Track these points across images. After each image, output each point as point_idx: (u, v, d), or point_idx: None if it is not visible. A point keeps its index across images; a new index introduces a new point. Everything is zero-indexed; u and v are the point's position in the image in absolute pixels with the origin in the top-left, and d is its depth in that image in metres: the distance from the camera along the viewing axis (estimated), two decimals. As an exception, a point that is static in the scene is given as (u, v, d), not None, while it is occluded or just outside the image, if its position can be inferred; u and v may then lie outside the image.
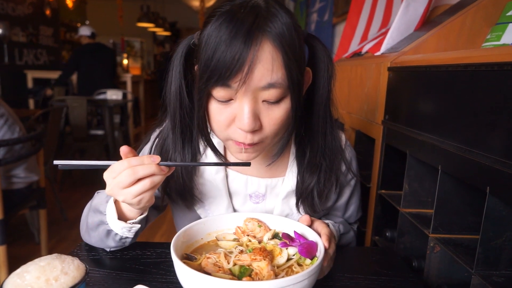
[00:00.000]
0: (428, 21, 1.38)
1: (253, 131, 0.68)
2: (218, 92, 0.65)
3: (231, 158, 0.84)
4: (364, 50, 1.54)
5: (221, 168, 0.86)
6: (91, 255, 0.82)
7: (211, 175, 0.85)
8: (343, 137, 0.94)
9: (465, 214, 0.84)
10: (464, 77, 0.76)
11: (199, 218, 0.89)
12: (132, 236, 0.78)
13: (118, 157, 0.67)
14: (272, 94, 0.65)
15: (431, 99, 0.90)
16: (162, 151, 0.83)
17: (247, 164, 0.69)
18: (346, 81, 1.61)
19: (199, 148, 0.85)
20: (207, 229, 0.78)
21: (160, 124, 0.88)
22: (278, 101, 0.67)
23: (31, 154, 2.16)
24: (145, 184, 0.65)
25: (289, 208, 0.88)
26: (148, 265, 0.78)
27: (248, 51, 0.60)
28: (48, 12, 6.49)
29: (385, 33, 1.44)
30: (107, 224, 0.75)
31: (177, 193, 0.85)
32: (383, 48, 1.34)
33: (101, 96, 4.71)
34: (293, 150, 0.88)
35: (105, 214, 0.75)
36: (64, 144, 4.17)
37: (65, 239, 2.80)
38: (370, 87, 1.31)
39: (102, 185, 0.69)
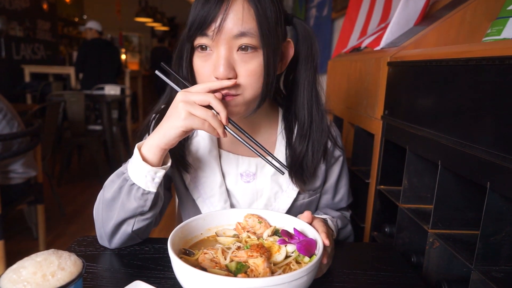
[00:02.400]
0: (428, 15, 1.37)
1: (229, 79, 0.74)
2: (199, 41, 0.75)
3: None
4: (364, 45, 1.53)
5: (214, 147, 0.90)
6: (88, 251, 0.81)
7: (204, 153, 0.89)
8: (327, 117, 0.96)
9: (464, 210, 0.84)
10: (465, 72, 0.75)
11: (200, 212, 0.90)
12: (155, 191, 0.75)
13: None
14: (244, 42, 0.73)
15: (431, 94, 0.89)
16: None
17: (281, 171, 0.78)
18: (345, 76, 1.60)
19: None
20: (207, 224, 0.77)
21: (161, 102, 0.93)
22: (251, 52, 0.74)
23: (29, 149, 2.15)
24: (208, 113, 0.70)
25: (278, 186, 0.91)
26: (146, 260, 0.78)
27: (222, 3, 0.71)
28: (45, 6, 6.44)
29: (385, 27, 1.43)
30: (129, 179, 0.74)
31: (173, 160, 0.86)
32: (382, 43, 1.33)
33: (99, 91, 4.69)
34: (280, 128, 0.93)
35: (126, 172, 0.75)
36: (62, 139, 4.15)
37: (63, 234, 2.80)
38: (369, 82, 1.30)
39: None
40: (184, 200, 0.95)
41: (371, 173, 1.25)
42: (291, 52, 0.85)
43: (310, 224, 0.76)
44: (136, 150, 0.75)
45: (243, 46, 0.73)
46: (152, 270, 0.74)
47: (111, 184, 0.79)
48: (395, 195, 1.10)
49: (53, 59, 6.65)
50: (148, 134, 0.87)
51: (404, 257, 0.97)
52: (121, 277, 0.72)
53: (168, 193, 0.96)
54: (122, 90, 4.94)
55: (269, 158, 0.79)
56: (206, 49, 0.75)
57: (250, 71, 0.75)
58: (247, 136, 0.78)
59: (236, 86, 0.75)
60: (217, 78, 0.74)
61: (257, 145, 0.79)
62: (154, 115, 0.92)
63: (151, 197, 0.76)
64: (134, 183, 0.75)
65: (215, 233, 0.77)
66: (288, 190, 0.92)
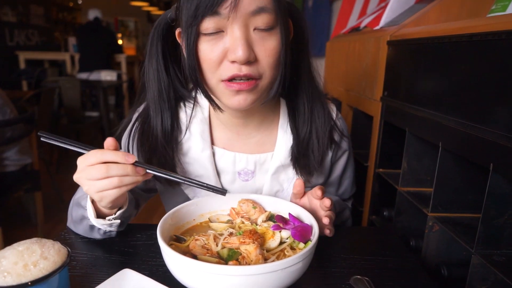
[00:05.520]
0: (429, -8, 1.31)
1: (249, 63, 0.66)
2: (208, 24, 0.64)
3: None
4: (363, 24, 1.48)
5: (207, 145, 0.83)
6: (79, 238, 0.79)
7: (196, 153, 0.83)
8: (334, 108, 0.91)
9: (465, 193, 0.81)
10: (468, 48, 0.71)
11: (188, 198, 0.87)
12: (115, 230, 0.76)
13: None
14: (263, 19, 0.65)
15: (432, 73, 0.86)
16: (143, 132, 0.81)
17: (223, 192, 0.67)
18: (344, 58, 1.56)
19: (179, 125, 0.83)
20: (200, 210, 0.75)
21: (139, 104, 0.85)
22: (269, 29, 0.66)
23: (23, 136, 2.12)
24: (113, 182, 0.62)
25: (279, 184, 0.86)
26: (137, 247, 0.76)
27: None
28: (38, -10, 6.31)
29: (385, 6, 1.38)
30: (89, 219, 0.73)
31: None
32: (382, 22, 1.28)
33: (95, 77, 4.63)
34: (282, 120, 0.86)
35: (86, 209, 0.73)
36: (59, 126, 4.12)
37: (62, 221, 2.79)
38: (368, 62, 1.26)
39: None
40: (177, 195, 0.90)
41: (370, 156, 1.23)
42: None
43: (304, 195, 0.76)
44: (89, 202, 0.71)
45: (260, 24, 0.65)
46: (144, 257, 0.72)
47: (75, 208, 0.78)
48: (394, 178, 1.07)
49: (48, 45, 6.55)
50: (130, 138, 0.82)
51: (403, 241, 0.96)
52: (111, 265, 0.69)
53: (146, 194, 0.93)
54: (119, 76, 4.87)
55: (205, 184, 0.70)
56: (214, 32, 0.65)
57: (269, 51, 0.67)
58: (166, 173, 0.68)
59: (257, 68, 0.67)
60: (233, 62, 0.65)
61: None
62: (134, 119, 0.85)
63: (114, 233, 0.77)
64: (94, 225, 0.74)
65: (208, 218, 0.74)
66: (289, 189, 0.86)
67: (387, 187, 1.11)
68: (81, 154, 0.65)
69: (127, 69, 6.07)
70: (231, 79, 0.67)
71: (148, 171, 0.64)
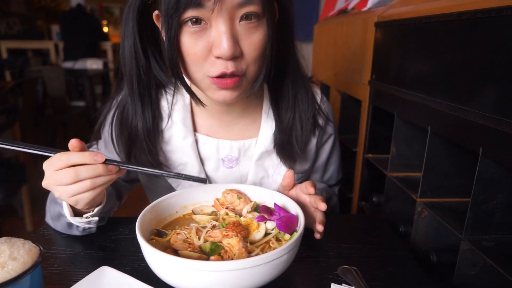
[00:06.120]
0: (418, -28, 1.28)
1: (234, 58, 0.62)
2: (191, 15, 0.60)
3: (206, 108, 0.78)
4: (351, 6, 1.44)
5: (190, 132, 0.80)
6: (58, 234, 0.76)
7: (178, 141, 0.80)
8: (318, 92, 0.89)
9: (454, 177, 0.80)
10: (457, 27, 0.69)
11: (171, 187, 0.84)
12: (94, 226, 0.73)
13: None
14: (249, 10, 0.61)
15: (420, 55, 0.83)
16: (122, 120, 0.77)
17: (203, 180, 0.64)
18: (332, 41, 1.52)
19: (160, 113, 0.79)
20: (183, 201, 0.72)
21: (118, 92, 0.81)
22: (256, 21, 0.62)
23: (6, 128, 2.06)
24: (85, 185, 0.59)
25: (264, 171, 0.84)
26: (119, 242, 0.73)
27: None
28: (17, -24, 6.09)
29: (373, -14, 1.34)
30: (66, 218, 0.69)
31: (142, 162, 0.79)
32: (370, 3, 1.25)
33: (81, 66, 4.51)
34: (265, 106, 0.84)
35: (62, 206, 0.69)
36: (44, 117, 4.02)
37: (51, 213, 2.75)
38: (356, 45, 1.23)
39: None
40: (160, 185, 0.87)
41: (359, 142, 1.21)
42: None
43: (293, 186, 0.74)
44: (64, 203, 0.67)
45: (246, 15, 0.61)
46: (126, 252, 0.69)
47: (52, 204, 0.74)
48: (383, 163, 1.06)
49: (31, 34, 6.35)
50: (111, 127, 0.78)
51: (392, 227, 0.95)
52: (91, 262, 0.67)
53: (128, 184, 0.90)
54: (105, 64, 4.76)
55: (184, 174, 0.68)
56: (199, 23, 0.61)
57: (255, 45, 0.64)
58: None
59: (241, 63, 0.64)
60: (218, 57, 0.62)
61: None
62: (113, 109, 0.80)
63: (94, 229, 0.74)
64: (72, 223, 0.70)
65: (192, 210, 0.72)
66: (275, 175, 0.85)
67: (376, 173, 1.10)
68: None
69: (114, 57, 5.94)
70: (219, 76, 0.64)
71: (121, 167, 0.61)
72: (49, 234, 0.76)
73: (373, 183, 1.17)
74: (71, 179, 0.57)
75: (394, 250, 0.71)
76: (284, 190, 0.76)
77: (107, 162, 0.59)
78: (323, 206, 0.65)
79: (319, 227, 0.66)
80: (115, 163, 0.61)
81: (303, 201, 0.72)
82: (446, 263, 0.76)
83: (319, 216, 0.68)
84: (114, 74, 5.37)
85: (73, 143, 0.59)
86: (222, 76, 0.64)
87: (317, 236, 0.68)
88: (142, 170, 0.64)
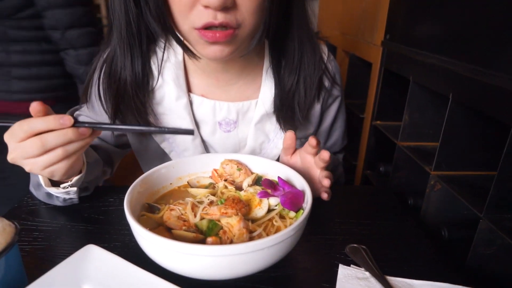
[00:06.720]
0: None
1: (226, 9, 0.55)
2: None
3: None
4: (363, -43, 1.31)
5: (183, 93, 0.73)
6: (43, 204, 0.71)
7: (171, 102, 0.73)
8: (325, 49, 0.80)
9: (474, 150, 0.74)
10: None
11: (164, 153, 0.78)
12: (76, 197, 0.67)
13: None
14: None
15: (443, 12, 0.74)
16: (110, 74, 0.69)
17: (190, 132, 0.54)
18: (341, -4, 1.40)
19: (151, 69, 0.72)
20: (177, 172, 0.66)
21: (107, 47, 0.72)
22: None
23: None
24: (56, 154, 0.51)
25: (264, 135, 0.78)
26: (109, 214, 0.68)
27: None
28: None
29: None
30: (45, 189, 0.63)
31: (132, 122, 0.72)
32: (386, -48, 1.12)
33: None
34: (266, 65, 0.76)
35: (39, 179, 0.63)
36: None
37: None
38: (368, 2, 1.12)
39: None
40: (152, 151, 0.81)
41: (367, 107, 1.14)
42: None
43: (295, 151, 0.67)
44: (39, 176, 0.61)
45: None
46: (116, 225, 0.64)
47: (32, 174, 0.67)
48: (393, 131, 0.99)
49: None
50: (99, 83, 0.71)
51: (400, 199, 0.90)
52: (78, 236, 0.62)
53: (119, 149, 0.83)
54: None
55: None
56: None
57: None
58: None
59: (235, 15, 0.56)
60: (207, 7, 0.54)
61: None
62: (101, 62, 0.73)
63: (76, 200, 0.68)
64: (51, 194, 0.65)
65: (187, 182, 0.66)
66: (276, 140, 0.79)
67: (384, 141, 1.03)
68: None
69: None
70: (205, 28, 0.56)
71: (94, 129, 0.53)
72: (34, 204, 0.71)
73: (379, 152, 1.11)
74: (38, 150, 0.50)
75: (405, 227, 0.66)
76: (286, 154, 0.69)
77: (77, 125, 0.51)
78: (326, 154, 0.59)
79: (325, 181, 0.59)
80: (87, 125, 0.52)
81: (308, 165, 0.66)
82: (458, 239, 0.72)
83: (324, 173, 0.62)
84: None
85: (35, 107, 0.50)
86: (209, 27, 0.56)
87: (324, 196, 0.63)
88: (119, 128, 0.57)
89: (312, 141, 0.61)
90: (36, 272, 0.45)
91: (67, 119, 0.50)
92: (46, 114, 0.52)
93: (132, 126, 0.59)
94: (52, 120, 0.50)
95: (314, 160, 0.64)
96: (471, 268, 0.64)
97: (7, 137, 0.51)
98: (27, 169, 0.54)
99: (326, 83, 0.79)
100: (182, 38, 0.63)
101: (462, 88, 0.67)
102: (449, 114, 0.70)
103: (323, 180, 0.59)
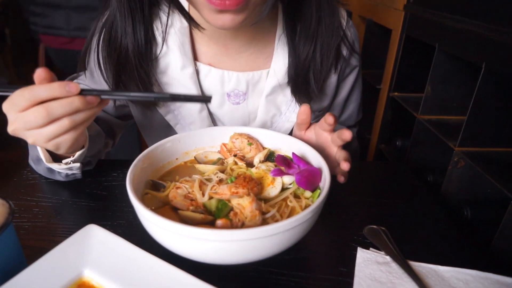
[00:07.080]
0: None
1: None
2: None
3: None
4: None
5: (189, 61, 0.67)
6: (43, 178, 0.67)
7: (176, 72, 0.68)
8: (344, 14, 0.72)
9: (504, 125, 0.68)
10: None
11: (169, 126, 0.73)
12: (79, 172, 0.63)
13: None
14: None
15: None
16: (110, 40, 0.64)
17: (208, 99, 0.49)
18: (358, -44, 1.30)
19: (154, 35, 0.66)
20: (184, 146, 0.62)
21: (105, 10, 0.66)
22: None
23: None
24: (63, 124, 0.46)
25: (275, 108, 0.73)
26: (113, 189, 0.64)
27: None
28: None
29: None
30: (46, 165, 0.60)
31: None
32: None
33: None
34: (279, 31, 0.70)
35: (40, 155, 0.59)
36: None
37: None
38: (390, -40, 1.02)
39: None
40: (156, 123, 0.76)
41: (384, 78, 1.07)
42: None
43: (310, 126, 0.62)
44: (39, 150, 0.57)
45: None
46: (119, 202, 0.61)
47: (30, 146, 0.64)
48: (412, 104, 0.93)
49: None
50: (98, 52, 0.65)
51: (418, 175, 0.85)
52: (80, 213, 0.59)
53: (121, 121, 0.79)
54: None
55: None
56: None
57: None
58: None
59: None
60: None
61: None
62: (99, 28, 0.66)
63: (79, 175, 0.64)
64: (52, 169, 0.61)
65: (194, 157, 0.62)
66: (288, 113, 0.74)
67: (402, 114, 0.98)
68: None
69: None
70: None
71: (102, 97, 0.49)
72: (34, 179, 0.68)
73: (396, 125, 1.06)
74: (43, 120, 0.45)
75: (425, 207, 0.62)
76: (300, 129, 0.64)
77: (84, 93, 0.46)
78: (348, 134, 0.53)
79: (345, 165, 0.52)
80: (95, 93, 0.48)
81: (324, 142, 0.60)
82: (481, 220, 0.67)
83: (343, 154, 0.56)
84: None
85: (40, 73, 0.45)
86: None
87: (341, 179, 0.57)
88: (128, 96, 0.52)
89: (329, 118, 0.55)
90: (35, 251, 0.42)
91: (73, 86, 0.45)
92: (50, 80, 0.46)
93: (144, 93, 0.55)
94: (57, 87, 0.44)
95: (331, 137, 0.58)
96: (497, 251, 0.60)
97: (6, 106, 0.46)
98: (30, 141, 0.49)
99: (344, 51, 0.72)
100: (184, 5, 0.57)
101: (497, 56, 0.60)
102: (480, 85, 0.64)
103: (342, 164, 0.53)
